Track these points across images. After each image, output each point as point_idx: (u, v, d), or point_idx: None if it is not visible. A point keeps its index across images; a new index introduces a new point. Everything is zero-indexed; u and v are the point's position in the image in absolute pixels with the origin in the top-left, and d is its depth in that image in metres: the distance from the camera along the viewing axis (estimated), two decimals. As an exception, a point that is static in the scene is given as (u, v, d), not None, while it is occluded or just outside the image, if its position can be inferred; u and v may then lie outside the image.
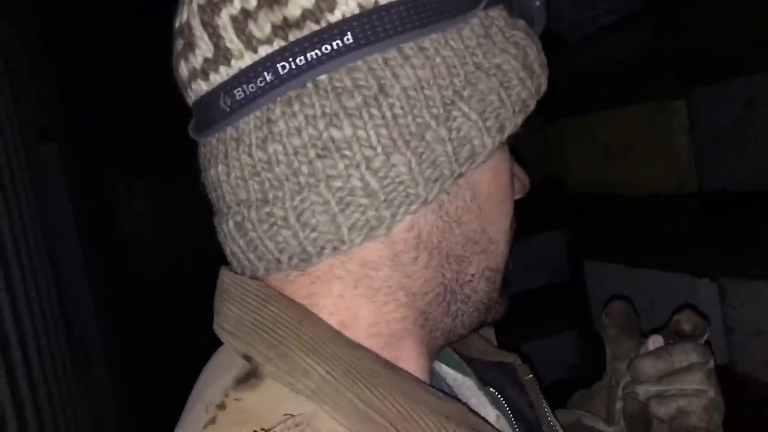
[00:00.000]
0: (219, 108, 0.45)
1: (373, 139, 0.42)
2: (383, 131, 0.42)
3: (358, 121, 0.42)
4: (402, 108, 0.43)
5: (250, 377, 0.45)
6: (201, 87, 0.46)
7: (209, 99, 0.46)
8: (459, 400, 0.49)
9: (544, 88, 0.48)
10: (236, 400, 0.44)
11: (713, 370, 0.65)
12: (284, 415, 0.42)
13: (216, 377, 0.46)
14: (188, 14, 0.46)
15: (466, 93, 0.44)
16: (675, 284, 1.71)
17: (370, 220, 0.43)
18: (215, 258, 0.51)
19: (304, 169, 0.43)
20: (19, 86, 2.04)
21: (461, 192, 0.46)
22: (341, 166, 0.43)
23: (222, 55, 0.44)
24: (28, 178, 1.90)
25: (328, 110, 0.42)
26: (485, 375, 0.61)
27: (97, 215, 3.74)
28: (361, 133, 0.42)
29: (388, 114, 0.43)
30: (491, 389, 0.60)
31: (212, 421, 0.43)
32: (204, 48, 0.45)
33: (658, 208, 1.78)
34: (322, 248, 0.44)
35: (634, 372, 0.65)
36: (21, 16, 2.49)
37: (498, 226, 0.50)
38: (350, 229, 0.44)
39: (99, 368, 2.62)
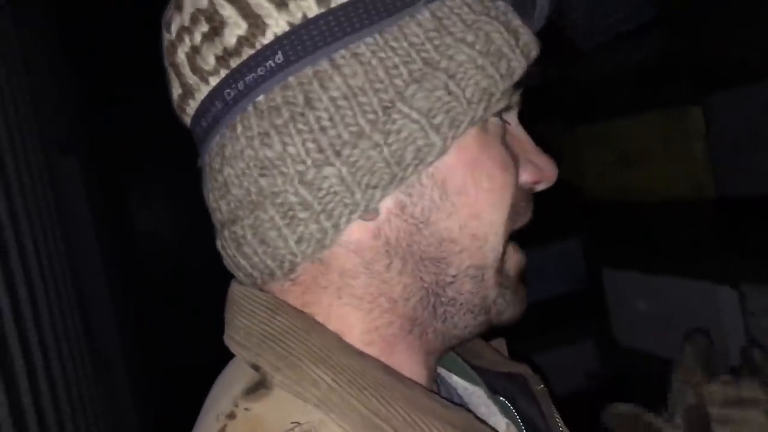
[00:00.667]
0: (197, 137, 0.49)
1: (302, 152, 0.43)
2: (311, 144, 0.43)
3: (286, 138, 0.43)
4: (330, 119, 0.43)
5: (259, 387, 0.45)
6: (185, 119, 0.50)
7: (192, 129, 0.49)
8: (466, 409, 0.49)
9: (519, 70, 0.46)
10: (246, 409, 0.44)
11: None
12: (292, 423, 0.43)
13: (227, 388, 0.47)
14: (163, 56, 0.50)
15: (408, 92, 0.43)
16: (695, 291, 1.70)
17: (313, 233, 0.44)
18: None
19: (252, 188, 0.45)
20: (39, 99, 2.07)
21: (426, 192, 0.45)
22: (279, 182, 0.44)
23: (188, 91, 0.48)
24: (49, 189, 1.93)
25: (261, 130, 0.44)
26: (496, 385, 0.61)
27: (116, 219, 3.78)
28: (291, 149, 0.43)
29: (315, 126, 0.43)
30: (501, 399, 0.60)
31: (222, 430, 0.44)
32: (176, 86, 0.49)
33: (676, 214, 1.77)
34: (281, 262, 0.46)
35: (703, 395, 0.65)
36: (41, 30, 2.53)
37: (485, 219, 0.47)
38: (297, 242, 0.45)
39: (118, 369, 2.65)
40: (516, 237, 0.52)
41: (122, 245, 3.79)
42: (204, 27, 0.45)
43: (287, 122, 0.43)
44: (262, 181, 0.44)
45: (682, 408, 0.68)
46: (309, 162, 0.43)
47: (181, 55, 0.47)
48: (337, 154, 0.43)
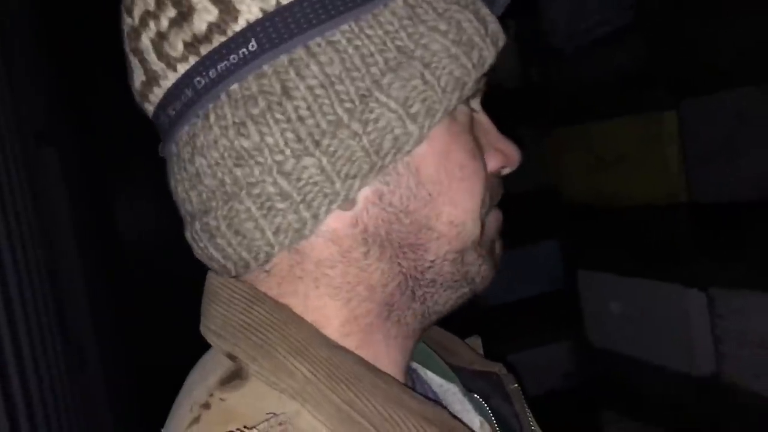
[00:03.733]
0: (162, 126, 0.47)
1: (281, 143, 0.43)
2: (289, 135, 0.43)
3: (264, 128, 0.43)
4: (308, 108, 0.42)
5: (234, 377, 0.45)
6: (148, 108, 0.49)
7: (156, 118, 0.48)
8: (441, 405, 0.50)
9: (489, 59, 0.47)
10: (221, 399, 0.45)
11: None
12: (267, 413, 0.43)
13: (202, 378, 0.47)
14: (124, 41, 0.48)
15: (385, 81, 0.43)
16: (665, 294, 1.72)
17: (292, 223, 0.44)
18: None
19: (227, 179, 0.44)
20: (17, 90, 2.04)
21: (403, 180, 0.46)
22: (257, 172, 0.43)
23: (152, 77, 0.46)
24: (26, 181, 1.91)
25: (236, 119, 0.43)
26: (471, 384, 0.62)
27: (96, 216, 3.74)
28: (269, 139, 0.43)
29: (293, 116, 0.42)
30: (476, 396, 0.61)
31: (196, 420, 0.44)
32: (138, 73, 0.47)
33: (650, 219, 1.79)
34: (257, 254, 0.45)
35: None
36: (19, 19, 2.50)
37: (461, 206, 0.48)
38: (275, 233, 0.44)
39: (95, 368, 2.62)
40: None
41: (102, 239, 3.75)
42: (171, 12, 0.44)
43: (264, 112, 0.43)
44: (238, 172, 0.43)
45: None
46: (288, 152, 0.43)
47: (146, 41, 0.45)
48: (316, 143, 0.43)
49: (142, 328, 4.00)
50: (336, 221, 0.45)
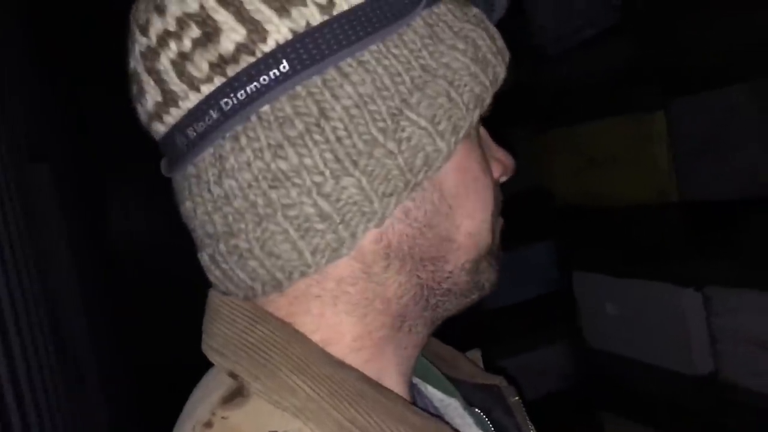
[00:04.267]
0: (177, 147, 0.47)
1: (320, 164, 0.43)
2: (328, 155, 0.43)
3: (302, 149, 0.43)
4: (345, 128, 0.43)
5: (236, 395, 0.45)
6: (159, 128, 0.48)
7: (169, 139, 0.47)
8: (443, 421, 0.50)
9: (502, 76, 0.48)
10: (223, 418, 0.44)
11: None
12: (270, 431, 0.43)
13: (204, 396, 0.47)
14: (134, 61, 0.47)
15: (413, 100, 0.44)
16: (660, 293, 1.72)
17: (330, 243, 0.44)
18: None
19: (260, 200, 0.44)
20: (8, 106, 2.04)
21: (428, 195, 0.47)
22: (294, 194, 0.43)
23: (170, 98, 0.45)
24: (18, 200, 1.90)
25: (272, 142, 0.43)
26: (472, 397, 0.62)
27: (91, 226, 3.73)
28: (308, 161, 0.43)
29: (332, 137, 0.43)
30: (477, 410, 0.61)
31: None
32: (153, 93, 0.46)
33: (642, 218, 1.80)
34: (291, 273, 0.45)
35: None
36: (10, 34, 2.49)
37: (477, 217, 0.50)
38: (313, 253, 0.44)
39: (92, 381, 2.60)
40: None
41: (97, 250, 3.74)
42: (194, 32, 0.43)
43: (302, 134, 0.42)
44: (273, 194, 0.43)
45: None
46: (327, 173, 0.43)
47: (165, 61, 0.45)
48: (355, 164, 0.43)
49: (137, 332, 3.99)
50: (362, 239, 0.46)
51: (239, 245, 0.45)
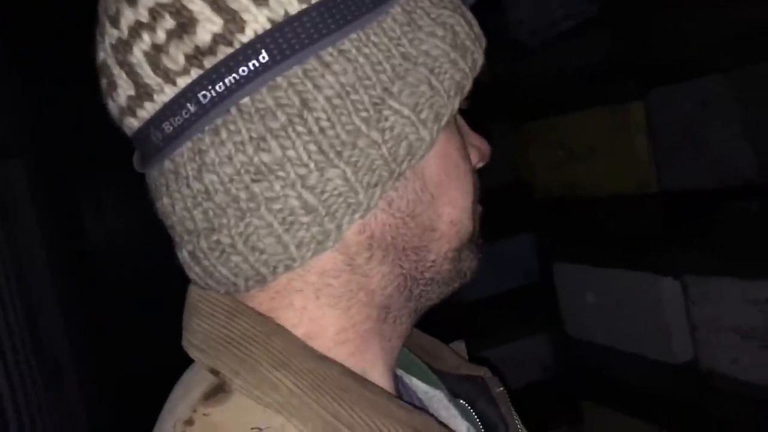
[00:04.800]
0: (152, 143, 0.45)
1: (304, 156, 0.42)
2: (312, 147, 0.42)
3: (285, 142, 0.42)
4: (329, 119, 0.42)
5: (218, 392, 0.45)
6: (132, 123, 0.46)
7: (142, 134, 0.46)
8: (428, 413, 0.50)
9: (480, 62, 0.48)
10: (204, 415, 0.44)
11: None
12: (252, 428, 0.42)
13: (185, 393, 0.47)
14: (104, 54, 0.46)
15: (395, 88, 0.43)
16: (639, 282, 1.74)
17: (315, 236, 0.43)
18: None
19: (243, 194, 0.43)
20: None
21: (410, 185, 0.46)
22: (277, 187, 0.42)
23: (144, 92, 0.44)
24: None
25: (254, 134, 0.42)
26: (456, 388, 0.62)
27: (67, 224, 3.69)
28: (291, 153, 0.42)
29: (315, 128, 0.42)
30: (462, 402, 0.61)
31: None
32: (125, 86, 0.45)
33: (621, 209, 1.81)
34: (275, 268, 0.44)
35: None
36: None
37: (459, 205, 0.49)
38: (298, 246, 0.43)
39: (70, 382, 2.58)
40: None
41: (73, 250, 3.69)
42: (168, 23, 0.42)
43: (285, 126, 0.42)
44: (255, 187, 0.42)
45: None
46: (312, 165, 0.42)
47: (138, 53, 0.43)
48: (339, 155, 0.42)
49: (114, 331, 3.95)
50: (348, 230, 0.45)
51: (221, 241, 0.44)
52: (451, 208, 0.49)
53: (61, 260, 3.01)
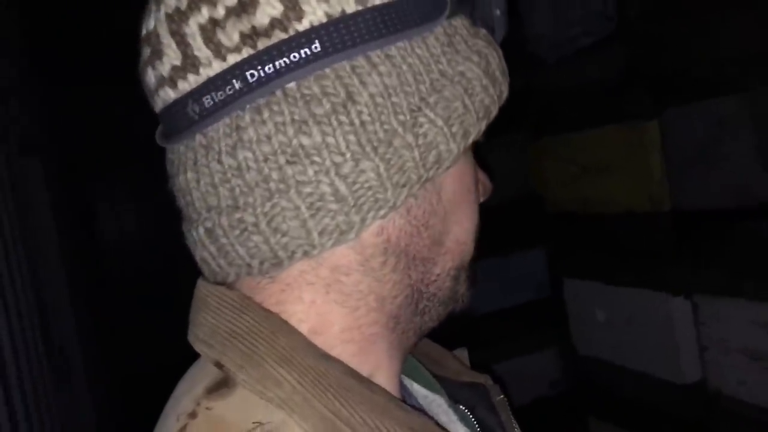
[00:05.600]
0: (187, 116, 0.46)
1: (342, 145, 0.43)
2: (352, 137, 0.43)
3: (327, 128, 0.43)
4: (370, 115, 0.44)
5: (221, 386, 0.45)
6: (169, 95, 0.47)
7: (177, 107, 0.46)
8: (428, 416, 0.51)
9: (505, 94, 0.50)
10: (207, 408, 0.44)
11: None
12: (253, 423, 0.43)
13: (189, 387, 0.47)
14: (155, 22, 0.47)
15: (432, 99, 0.45)
16: (649, 301, 1.73)
17: (340, 225, 0.44)
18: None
19: (274, 175, 0.44)
20: (1, 99, 2.03)
21: (428, 196, 0.48)
22: (311, 172, 0.44)
23: (190, 63, 0.45)
24: (9, 190, 1.90)
25: (297, 117, 0.43)
26: (457, 395, 0.62)
27: (81, 222, 3.72)
28: (330, 140, 0.43)
29: (357, 121, 0.43)
30: (461, 407, 0.61)
31: (182, 429, 0.44)
32: (172, 56, 0.46)
33: (634, 226, 1.81)
34: (293, 252, 0.45)
35: None
36: (1, 32, 2.48)
37: (464, 226, 0.51)
38: (320, 234, 0.44)
39: (79, 380, 2.59)
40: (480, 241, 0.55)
41: (86, 249, 3.72)
42: (230, 1, 0.43)
43: (329, 113, 0.43)
44: (289, 169, 0.43)
45: None
46: (348, 155, 0.43)
47: (193, 25, 0.44)
48: (375, 150, 0.44)
49: (124, 331, 3.98)
50: (370, 226, 0.46)
51: (245, 219, 0.45)
52: (458, 227, 0.51)
53: (74, 259, 3.03)
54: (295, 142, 0.43)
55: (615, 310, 1.87)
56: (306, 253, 0.45)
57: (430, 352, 0.64)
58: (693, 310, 1.62)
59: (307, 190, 0.44)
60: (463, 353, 0.67)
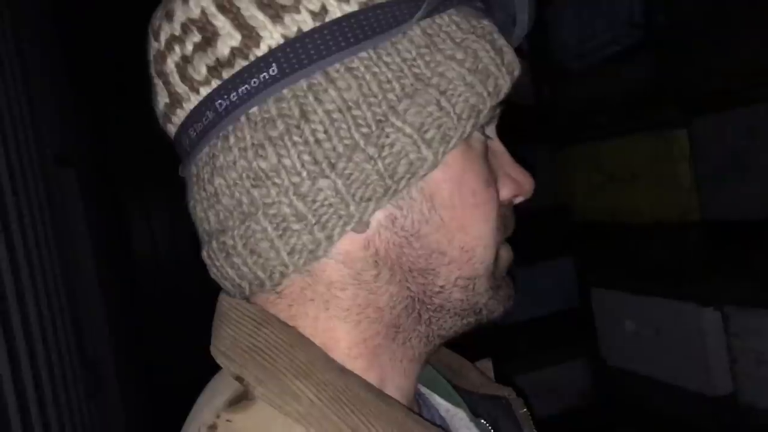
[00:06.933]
0: (183, 147, 0.49)
1: (297, 165, 0.44)
2: (306, 157, 0.44)
3: (281, 150, 0.44)
4: (326, 131, 0.44)
5: (241, 399, 0.46)
6: (170, 130, 0.50)
7: (177, 140, 0.50)
8: (446, 430, 0.51)
9: (505, 87, 0.48)
10: (227, 421, 0.45)
11: None
12: None
13: (210, 399, 0.48)
14: (150, 65, 0.50)
15: (401, 107, 0.44)
16: (680, 312, 1.71)
17: (306, 244, 0.45)
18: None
19: (245, 199, 0.45)
20: (38, 111, 2.07)
21: (416, 205, 0.47)
22: (273, 193, 0.45)
23: (175, 99, 0.48)
24: (46, 203, 1.93)
25: (255, 141, 0.44)
26: (479, 407, 0.62)
27: (114, 235, 3.76)
28: (286, 161, 0.44)
29: (311, 139, 0.44)
30: (483, 421, 0.61)
31: None
32: (162, 95, 0.49)
33: (662, 237, 1.79)
34: (271, 273, 0.46)
35: None
36: (42, 36, 2.53)
37: (472, 232, 0.48)
38: (290, 253, 0.45)
39: (112, 391, 2.62)
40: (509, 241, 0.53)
41: (119, 261, 3.77)
42: (196, 37, 0.45)
43: (282, 134, 0.44)
44: (255, 192, 0.45)
45: None
46: (304, 174, 0.44)
47: (171, 64, 0.47)
48: (332, 166, 0.43)
49: (156, 342, 4.01)
50: (348, 244, 0.46)
51: (226, 242, 0.47)
52: (462, 234, 0.48)
53: (109, 270, 3.07)
54: (254, 165, 0.45)
55: (644, 320, 1.85)
56: (282, 274, 0.46)
57: (451, 362, 0.64)
58: (723, 322, 1.59)
59: (272, 211, 0.45)
60: (487, 364, 0.66)
